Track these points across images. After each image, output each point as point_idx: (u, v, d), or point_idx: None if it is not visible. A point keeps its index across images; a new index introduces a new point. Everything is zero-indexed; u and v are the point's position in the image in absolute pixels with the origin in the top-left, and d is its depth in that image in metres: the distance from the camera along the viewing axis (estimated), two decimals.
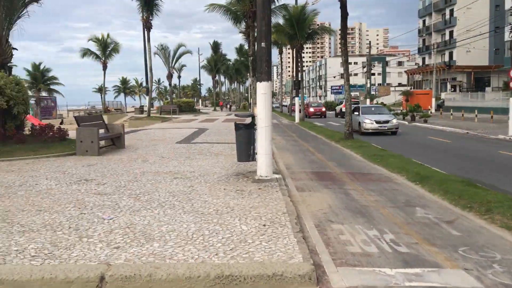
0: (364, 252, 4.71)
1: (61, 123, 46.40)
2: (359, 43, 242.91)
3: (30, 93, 45.74)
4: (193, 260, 4.17)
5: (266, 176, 8.36)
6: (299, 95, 32.59)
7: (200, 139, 17.05)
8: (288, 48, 72.53)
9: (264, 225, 5.32)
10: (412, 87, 78.90)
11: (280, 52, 53.77)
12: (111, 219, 5.54)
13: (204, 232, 5.00)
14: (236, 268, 3.96)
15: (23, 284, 3.71)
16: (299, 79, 34.12)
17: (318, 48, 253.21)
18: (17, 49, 15.35)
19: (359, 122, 21.49)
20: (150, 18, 35.16)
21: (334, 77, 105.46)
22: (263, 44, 8.55)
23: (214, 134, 19.60)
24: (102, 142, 13.33)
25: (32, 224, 5.31)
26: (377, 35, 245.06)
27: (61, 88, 74.11)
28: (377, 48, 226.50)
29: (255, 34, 27.64)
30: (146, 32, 35.25)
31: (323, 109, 44.08)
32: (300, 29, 30.74)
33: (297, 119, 32.28)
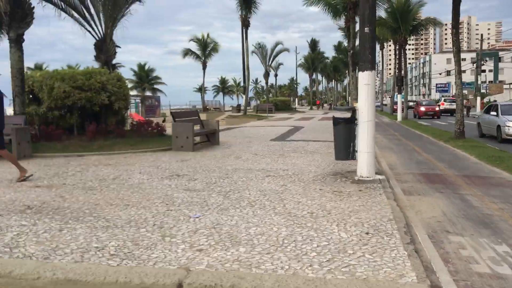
0: (494, 274, 3.74)
1: (163, 121, 48.84)
2: (468, 38, 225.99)
3: (135, 92, 48.74)
4: (282, 271, 3.55)
5: (367, 177, 7.49)
6: (402, 92, 30.60)
7: (295, 137, 16.46)
8: (390, 45, 69.32)
9: (367, 233, 4.54)
10: None
11: (382, 48, 51.33)
12: (197, 217, 5.14)
13: (297, 238, 4.37)
14: (334, 285, 3.28)
15: (95, 287, 3.37)
16: (402, 75, 32.08)
17: (421, 44, 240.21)
18: (120, 47, 15.98)
19: (498, 126, 16.09)
20: (248, 16, 35.41)
21: (440, 74, 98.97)
22: (366, 29, 7.69)
23: (310, 132, 18.90)
24: (197, 138, 13.31)
25: (117, 219, 5.08)
26: (488, 29, 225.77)
27: (164, 88, 78.18)
28: (488, 43, 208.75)
29: (356, 28, 26.59)
30: (244, 30, 35.57)
31: (437, 108, 35.98)
32: (404, 22, 28.81)
33: (399, 118, 30.39)
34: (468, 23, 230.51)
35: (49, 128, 11.97)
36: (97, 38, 15.74)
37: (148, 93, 49.31)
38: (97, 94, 12.46)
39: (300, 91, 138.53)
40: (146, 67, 47.40)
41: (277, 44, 49.43)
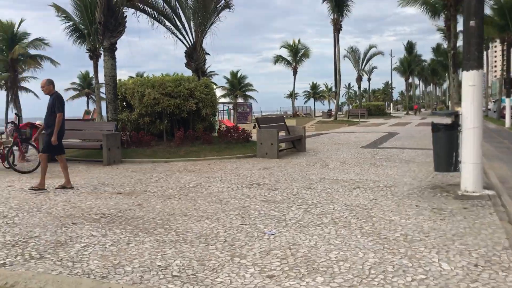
0: None
1: (254, 127, 49.32)
2: None
3: (228, 99, 49.83)
4: None
5: (473, 192, 6.46)
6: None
7: (389, 143, 15.33)
8: (496, 45, 63.73)
9: (476, 265, 3.71)
10: None
11: (486, 49, 47.16)
12: (272, 234, 4.64)
13: (387, 268, 3.67)
14: None
15: None
16: (511, 77, 28.94)
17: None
18: (209, 54, 16.10)
19: None
20: (340, 19, 34.43)
21: None
22: (472, 23, 6.67)
23: (406, 138, 17.57)
24: (283, 145, 12.87)
25: (188, 232, 4.74)
26: None
27: (256, 94, 79.32)
28: None
29: (457, 27, 24.51)
30: (335, 34, 34.63)
31: None
32: None
33: (507, 123, 27.37)
34: None
35: (139, 134, 12.26)
36: (188, 46, 16.01)
37: (240, 100, 50.16)
38: (185, 101, 12.53)
39: (395, 95, 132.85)
40: (239, 75, 48.22)
41: (370, 47, 47.65)
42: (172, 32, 15.62)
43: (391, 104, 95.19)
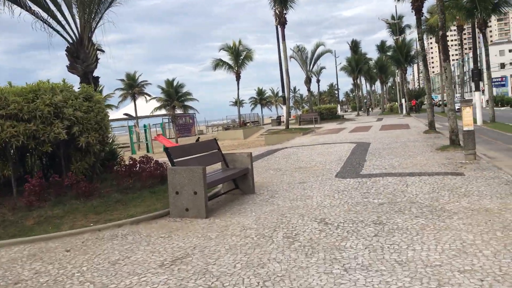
0: None
1: (197, 140, 43.68)
2: None
3: (164, 111, 44.27)
4: None
5: None
6: (483, 89, 24.21)
7: (371, 165, 10.80)
8: (430, 37, 62.06)
9: None
10: None
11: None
12: None
13: None
14: None
15: None
16: (479, 67, 25.66)
17: (465, 39, 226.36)
18: (103, 51, 10.98)
19: None
20: (284, 12, 30.06)
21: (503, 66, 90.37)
22: None
23: (386, 151, 13.17)
24: (219, 187, 8.02)
25: None
26: None
27: (198, 104, 74.46)
28: None
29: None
30: (280, 29, 30.20)
31: None
32: (482, 0, 22.49)
33: (479, 121, 23.86)
34: None
35: None
36: (71, 41, 10.82)
37: (178, 111, 44.69)
38: (47, 125, 7.41)
39: (340, 96, 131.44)
40: (175, 83, 42.86)
41: (318, 45, 43.56)
42: (40, 19, 10.38)
43: (339, 106, 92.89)
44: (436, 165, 9.82)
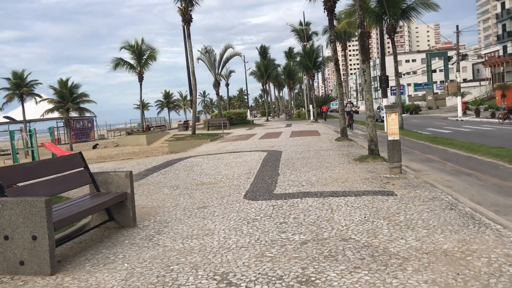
0: None
1: (95, 147, 39.57)
2: (409, 41, 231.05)
3: (56, 114, 39.92)
4: None
5: None
6: (392, 95, 24.14)
7: (286, 180, 9.18)
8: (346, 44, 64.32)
9: None
10: (491, 80, 68.48)
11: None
12: None
13: None
14: None
15: None
16: (387, 74, 25.67)
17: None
18: None
19: None
20: (190, 8, 27.97)
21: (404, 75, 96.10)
22: None
23: (300, 162, 11.71)
24: (88, 218, 5.84)
25: None
26: (428, 31, 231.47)
27: (104, 107, 69.84)
28: (428, 45, 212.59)
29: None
30: (185, 27, 28.01)
31: None
32: (391, 6, 22.33)
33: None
34: (408, 26, 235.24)
35: None
36: None
37: (73, 114, 40.46)
38: None
39: (250, 101, 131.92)
40: (70, 83, 38.63)
41: (227, 48, 41.82)
42: None
43: (248, 111, 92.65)
44: (359, 180, 8.46)
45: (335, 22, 41.27)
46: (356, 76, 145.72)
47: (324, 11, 18.31)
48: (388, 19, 23.03)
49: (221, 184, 9.23)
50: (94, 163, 16.55)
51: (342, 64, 54.56)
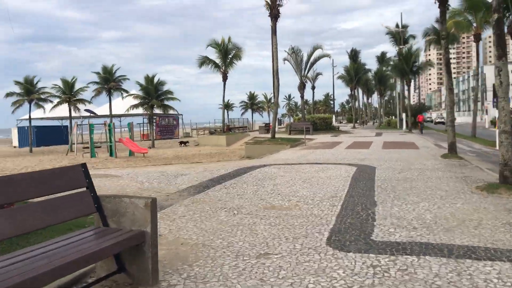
0: None
1: (181, 144, 37.62)
2: None
3: (141, 110, 40.00)
4: None
5: None
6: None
7: (388, 216, 6.61)
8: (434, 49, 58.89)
9: None
10: None
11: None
12: None
13: None
14: None
15: None
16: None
17: (463, 58, 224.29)
18: None
19: None
20: (278, 3, 26.03)
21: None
22: None
23: (402, 185, 9.00)
24: (90, 267, 3.72)
25: None
26: None
27: (186, 105, 70.74)
28: None
29: None
30: (272, 22, 26.12)
31: None
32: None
33: None
34: None
35: None
36: None
37: (157, 111, 40.31)
38: None
39: (336, 107, 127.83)
40: (156, 80, 38.51)
41: (315, 48, 39.32)
42: None
43: (334, 117, 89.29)
44: (500, 226, 5.68)
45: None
46: (459, 82, 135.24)
47: (435, 2, 15.25)
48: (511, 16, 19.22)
49: (296, 210, 6.89)
50: (160, 166, 14.99)
51: (434, 74, 49.59)
